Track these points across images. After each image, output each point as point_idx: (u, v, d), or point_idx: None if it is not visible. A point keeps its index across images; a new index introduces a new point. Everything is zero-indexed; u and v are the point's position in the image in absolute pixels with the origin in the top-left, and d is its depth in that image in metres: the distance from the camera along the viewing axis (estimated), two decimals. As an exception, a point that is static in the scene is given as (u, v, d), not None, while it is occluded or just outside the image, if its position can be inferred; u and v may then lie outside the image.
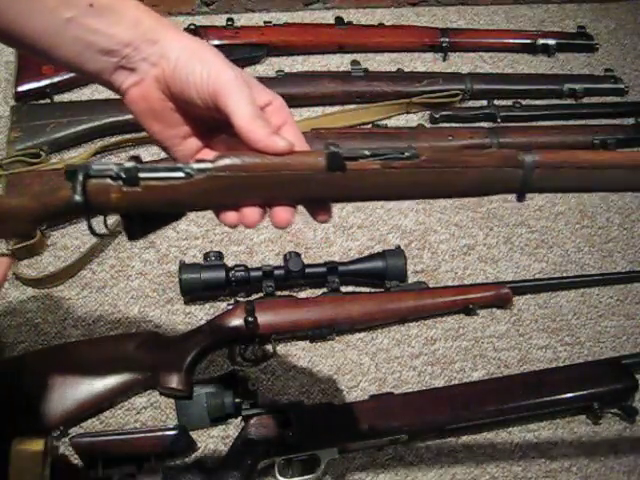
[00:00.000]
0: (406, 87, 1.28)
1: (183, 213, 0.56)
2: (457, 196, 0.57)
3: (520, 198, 0.55)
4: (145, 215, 0.53)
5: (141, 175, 0.48)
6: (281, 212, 0.52)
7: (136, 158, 0.49)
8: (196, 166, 0.49)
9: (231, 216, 0.52)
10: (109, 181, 0.49)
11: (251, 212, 0.52)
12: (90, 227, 0.52)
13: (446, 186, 0.53)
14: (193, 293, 0.98)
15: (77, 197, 0.49)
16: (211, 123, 0.53)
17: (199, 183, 0.49)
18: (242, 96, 0.49)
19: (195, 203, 0.51)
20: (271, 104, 0.53)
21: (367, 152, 0.50)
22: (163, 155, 1.21)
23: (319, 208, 0.54)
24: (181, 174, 0.49)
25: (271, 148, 0.49)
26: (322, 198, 0.53)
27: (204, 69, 0.49)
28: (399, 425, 0.86)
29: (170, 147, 0.55)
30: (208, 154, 0.53)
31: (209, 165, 0.49)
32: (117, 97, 0.55)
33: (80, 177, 0.48)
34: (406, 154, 0.51)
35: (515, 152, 0.53)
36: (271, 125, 0.51)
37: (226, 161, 0.49)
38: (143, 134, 1.18)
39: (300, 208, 1.15)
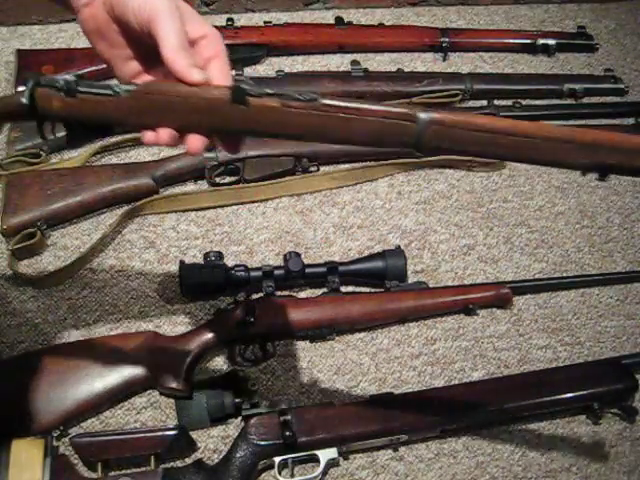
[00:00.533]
0: (406, 87, 1.28)
1: (112, 128, 0.66)
2: (353, 143, 0.60)
3: (419, 154, 0.58)
4: (83, 125, 0.63)
5: (79, 89, 0.56)
6: (193, 139, 0.57)
7: (80, 76, 0.57)
8: (124, 87, 0.56)
9: (149, 135, 0.58)
10: (54, 91, 0.56)
11: (166, 134, 0.57)
12: (40, 130, 0.60)
13: (342, 132, 0.56)
14: (193, 293, 0.99)
15: (24, 100, 0.56)
16: (151, 50, 0.56)
17: (124, 102, 0.56)
18: (172, 26, 0.54)
19: (121, 119, 0.59)
20: (206, 37, 0.57)
21: (270, 91, 0.55)
22: (163, 155, 1.22)
23: (229, 140, 0.61)
24: (110, 92, 0.56)
25: (187, 79, 0.54)
26: (228, 130, 0.58)
27: None
28: (399, 425, 0.86)
29: (113, 66, 0.60)
30: (146, 79, 0.60)
31: (133, 87, 0.56)
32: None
33: (30, 84, 0.56)
34: (305, 97, 0.55)
35: (413, 107, 0.56)
36: (194, 57, 0.55)
37: (148, 85, 0.57)
38: (143, 134, 1.19)
39: (297, 209, 1.15)
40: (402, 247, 1.03)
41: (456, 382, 0.96)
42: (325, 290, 0.99)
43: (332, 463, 0.86)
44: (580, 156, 0.56)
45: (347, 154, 1.17)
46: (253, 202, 1.12)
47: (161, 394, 0.90)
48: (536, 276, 1.09)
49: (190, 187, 1.13)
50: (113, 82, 0.58)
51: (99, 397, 0.86)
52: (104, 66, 0.62)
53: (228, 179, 1.14)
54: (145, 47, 0.57)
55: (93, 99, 0.56)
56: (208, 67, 0.57)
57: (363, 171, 1.16)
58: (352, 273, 1.00)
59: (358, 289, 1.02)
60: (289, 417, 0.83)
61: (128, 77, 0.60)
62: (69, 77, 0.56)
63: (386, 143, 0.58)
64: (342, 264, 1.00)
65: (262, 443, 0.82)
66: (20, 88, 1.17)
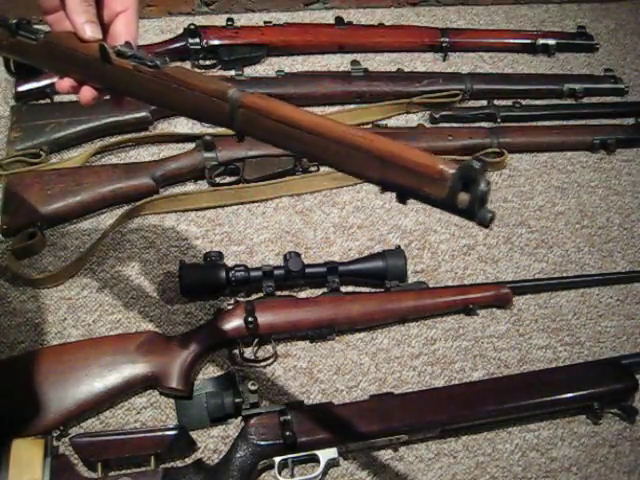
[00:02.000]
0: (406, 87, 1.28)
1: (41, 69, 0.75)
2: (181, 113, 0.61)
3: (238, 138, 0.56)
4: (24, 62, 0.71)
5: (19, 32, 0.66)
6: (85, 90, 0.63)
7: (27, 21, 0.66)
8: (42, 34, 0.64)
9: (58, 81, 0.64)
10: (3, 30, 0.67)
11: (67, 82, 0.63)
12: (7, 65, 0.79)
13: (172, 101, 0.58)
14: (193, 293, 0.98)
15: None
16: None
17: (41, 46, 0.65)
18: None
19: (38, 61, 0.68)
20: None
21: (129, 52, 0.59)
22: (163, 155, 1.22)
23: (114, 96, 0.66)
24: (34, 36, 0.65)
25: (79, 34, 0.60)
26: (104, 85, 0.63)
27: None
28: (399, 425, 0.86)
29: None
30: (62, 16, 0.64)
31: (47, 35, 0.64)
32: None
33: None
34: (152, 62, 0.58)
35: (228, 86, 0.55)
36: (92, 14, 0.60)
37: (55, 34, 0.64)
38: (143, 134, 1.19)
39: (297, 209, 1.15)
40: (402, 247, 1.03)
41: (456, 382, 0.96)
42: (325, 290, 0.98)
43: (332, 463, 0.86)
44: (369, 168, 0.47)
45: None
46: (253, 202, 1.12)
47: (161, 394, 0.90)
48: (536, 276, 1.09)
49: (190, 187, 1.13)
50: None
51: (99, 397, 0.86)
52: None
53: (228, 179, 1.14)
54: None
55: (24, 41, 0.65)
56: (115, 21, 0.62)
57: (363, 171, 1.16)
58: (352, 273, 1.00)
59: (358, 289, 1.02)
60: (289, 417, 0.83)
61: (49, 8, 0.64)
62: (14, 20, 0.66)
63: (207, 119, 0.58)
64: (342, 264, 1.00)
65: (262, 443, 0.82)
66: (20, 88, 1.18)
